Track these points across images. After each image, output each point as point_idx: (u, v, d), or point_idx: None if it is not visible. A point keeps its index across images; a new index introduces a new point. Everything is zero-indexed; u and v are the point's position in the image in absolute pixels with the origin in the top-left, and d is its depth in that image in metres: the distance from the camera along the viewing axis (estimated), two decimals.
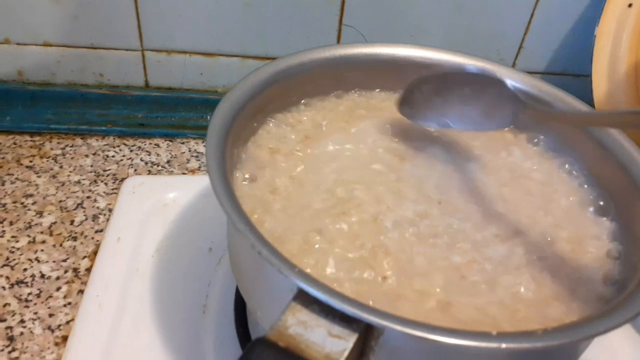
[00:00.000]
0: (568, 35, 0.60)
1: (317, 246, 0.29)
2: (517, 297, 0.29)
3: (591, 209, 0.36)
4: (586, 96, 0.53)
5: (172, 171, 0.53)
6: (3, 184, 0.49)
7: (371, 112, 0.41)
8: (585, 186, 0.38)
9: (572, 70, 0.63)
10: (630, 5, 0.52)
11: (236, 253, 0.31)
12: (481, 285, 0.29)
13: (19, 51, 0.56)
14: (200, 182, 0.50)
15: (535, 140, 0.41)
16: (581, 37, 0.60)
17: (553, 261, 0.32)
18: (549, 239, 0.33)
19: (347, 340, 0.22)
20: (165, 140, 0.56)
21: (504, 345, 0.22)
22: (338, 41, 0.58)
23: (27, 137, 0.54)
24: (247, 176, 0.34)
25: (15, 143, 0.54)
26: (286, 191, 0.33)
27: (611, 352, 0.41)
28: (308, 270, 0.28)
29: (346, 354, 0.22)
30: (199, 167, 0.54)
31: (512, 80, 0.43)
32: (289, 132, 0.38)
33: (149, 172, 0.52)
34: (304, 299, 0.23)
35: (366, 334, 0.23)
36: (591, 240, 0.34)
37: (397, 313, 0.23)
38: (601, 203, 0.36)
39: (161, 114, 0.58)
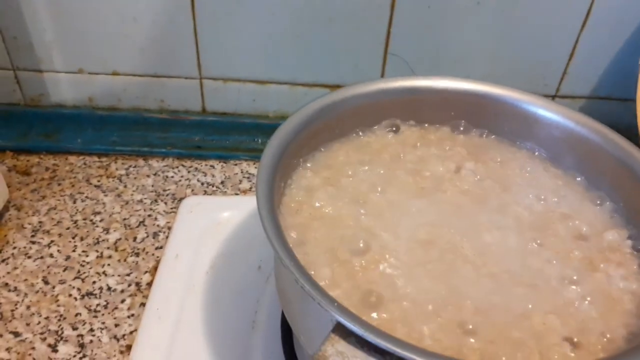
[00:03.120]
0: (613, 60, 0.61)
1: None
2: None
3: None
4: (633, 121, 0.54)
5: (225, 191, 0.57)
6: (75, 202, 0.54)
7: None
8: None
9: (617, 94, 0.63)
10: None
11: (282, 282, 0.34)
12: None
13: (91, 80, 0.61)
14: (251, 203, 0.52)
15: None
16: (627, 61, 0.60)
17: None
18: None
19: None
20: (220, 162, 0.60)
21: None
22: (383, 68, 0.60)
23: (96, 158, 0.60)
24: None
25: (85, 163, 0.59)
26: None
27: None
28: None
29: None
30: (250, 187, 0.57)
31: (552, 113, 0.44)
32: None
33: (205, 192, 0.57)
34: (342, 331, 0.25)
35: None
36: None
37: None
38: None
39: (216, 137, 0.62)
